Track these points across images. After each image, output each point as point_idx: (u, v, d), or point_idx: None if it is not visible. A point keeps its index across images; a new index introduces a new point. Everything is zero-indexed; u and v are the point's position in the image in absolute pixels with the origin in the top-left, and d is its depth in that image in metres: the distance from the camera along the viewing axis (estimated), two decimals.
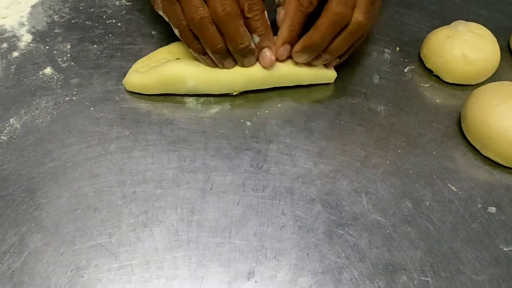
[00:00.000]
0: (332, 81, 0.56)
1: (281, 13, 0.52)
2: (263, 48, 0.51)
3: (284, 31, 0.51)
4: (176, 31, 0.51)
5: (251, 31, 0.50)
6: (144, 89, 0.53)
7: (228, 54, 0.50)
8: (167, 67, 0.52)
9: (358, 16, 0.49)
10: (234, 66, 0.52)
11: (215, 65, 0.52)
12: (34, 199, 0.46)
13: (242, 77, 0.52)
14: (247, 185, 0.48)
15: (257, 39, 0.50)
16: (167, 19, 0.51)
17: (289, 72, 0.53)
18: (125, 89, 0.54)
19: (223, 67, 0.52)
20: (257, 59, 0.52)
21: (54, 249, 0.43)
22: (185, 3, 0.48)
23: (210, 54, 0.50)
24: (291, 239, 0.45)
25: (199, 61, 0.52)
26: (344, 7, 0.48)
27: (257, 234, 0.45)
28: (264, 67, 0.52)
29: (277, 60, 0.52)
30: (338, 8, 0.48)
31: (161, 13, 0.52)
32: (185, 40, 0.51)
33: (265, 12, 0.50)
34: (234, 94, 0.54)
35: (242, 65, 0.52)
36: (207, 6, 0.48)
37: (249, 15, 0.49)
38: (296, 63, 0.53)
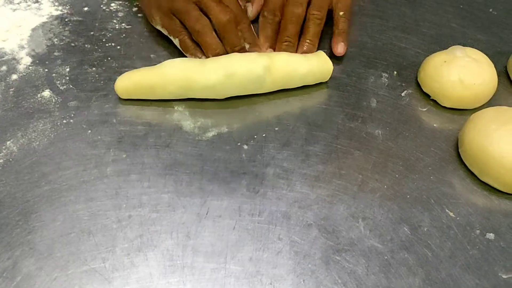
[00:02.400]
0: (328, 78, 0.59)
1: (249, 8, 0.63)
2: (254, 51, 0.58)
3: (262, 40, 0.60)
4: (176, 41, 0.58)
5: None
6: (135, 89, 0.54)
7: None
8: (159, 65, 0.55)
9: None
10: None
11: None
12: (28, 222, 0.45)
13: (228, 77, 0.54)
14: (243, 209, 0.48)
15: (247, 46, 0.58)
16: (165, 33, 0.59)
17: (285, 73, 0.56)
18: (120, 113, 0.54)
19: None
20: None
21: (47, 274, 0.42)
22: (185, 16, 0.56)
23: (206, 56, 0.57)
24: (287, 265, 0.44)
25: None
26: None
27: (252, 260, 0.45)
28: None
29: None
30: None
31: (159, 27, 0.60)
32: (184, 47, 0.58)
33: (251, 25, 0.59)
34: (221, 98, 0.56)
35: None
36: (206, 16, 0.56)
37: (239, 27, 0.58)
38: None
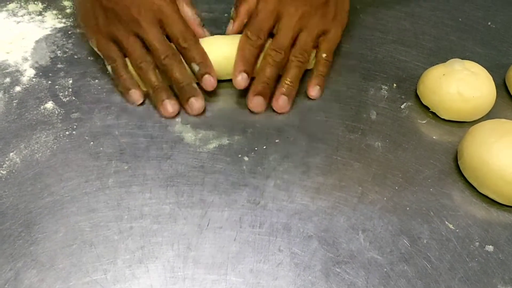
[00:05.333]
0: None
1: (230, 25, 0.60)
2: (204, 74, 0.55)
3: (237, 62, 0.55)
4: (109, 68, 0.56)
5: (188, 60, 0.55)
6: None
7: (168, 92, 0.55)
8: None
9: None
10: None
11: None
12: (30, 233, 0.46)
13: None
14: (244, 221, 0.48)
15: (196, 67, 0.54)
16: (101, 55, 0.57)
17: None
18: (122, 125, 0.54)
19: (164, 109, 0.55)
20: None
21: (49, 286, 0.43)
22: (127, 48, 0.55)
23: (150, 92, 0.55)
24: (287, 277, 0.45)
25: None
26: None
27: (253, 271, 0.45)
28: (207, 90, 0.56)
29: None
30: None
31: (95, 49, 0.58)
32: (116, 77, 0.56)
33: (199, 43, 0.55)
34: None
35: (190, 110, 0.55)
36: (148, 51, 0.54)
37: (184, 45, 0.54)
38: None
